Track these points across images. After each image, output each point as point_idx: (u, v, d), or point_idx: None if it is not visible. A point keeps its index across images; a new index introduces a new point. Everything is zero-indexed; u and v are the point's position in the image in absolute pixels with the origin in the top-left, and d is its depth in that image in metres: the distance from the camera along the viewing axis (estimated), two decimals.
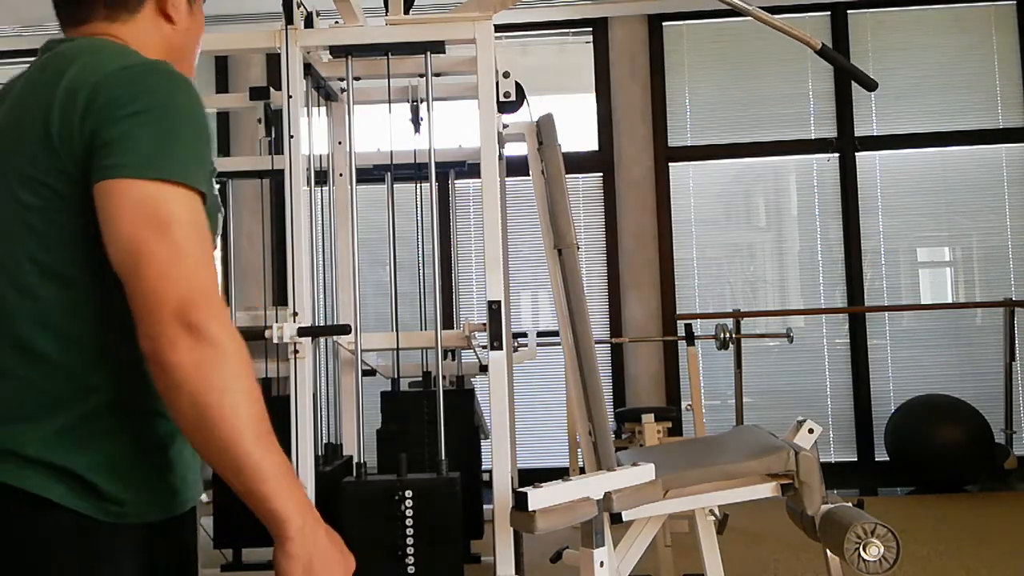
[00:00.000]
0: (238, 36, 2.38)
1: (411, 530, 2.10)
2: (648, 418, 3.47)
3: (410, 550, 2.09)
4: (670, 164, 5.18)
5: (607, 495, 1.93)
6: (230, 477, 0.85)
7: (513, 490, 2.09)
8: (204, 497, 2.80)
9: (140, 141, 0.83)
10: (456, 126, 4.39)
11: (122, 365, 0.89)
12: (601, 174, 5.15)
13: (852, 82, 5.11)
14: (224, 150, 4.61)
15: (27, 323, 0.87)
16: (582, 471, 2.10)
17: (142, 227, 0.81)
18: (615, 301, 5.07)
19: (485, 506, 2.68)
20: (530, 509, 1.79)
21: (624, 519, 1.99)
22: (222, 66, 4.77)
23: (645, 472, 1.99)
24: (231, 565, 2.91)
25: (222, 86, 4.74)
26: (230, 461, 0.83)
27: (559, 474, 2.48)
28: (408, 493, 2.11)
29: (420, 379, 3.00)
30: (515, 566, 2.12)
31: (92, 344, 0.88)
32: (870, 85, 2.22)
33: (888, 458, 4.70)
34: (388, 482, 2.13)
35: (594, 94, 5.22)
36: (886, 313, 5.09)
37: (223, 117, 4.63)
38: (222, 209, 0.90)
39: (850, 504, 2.01)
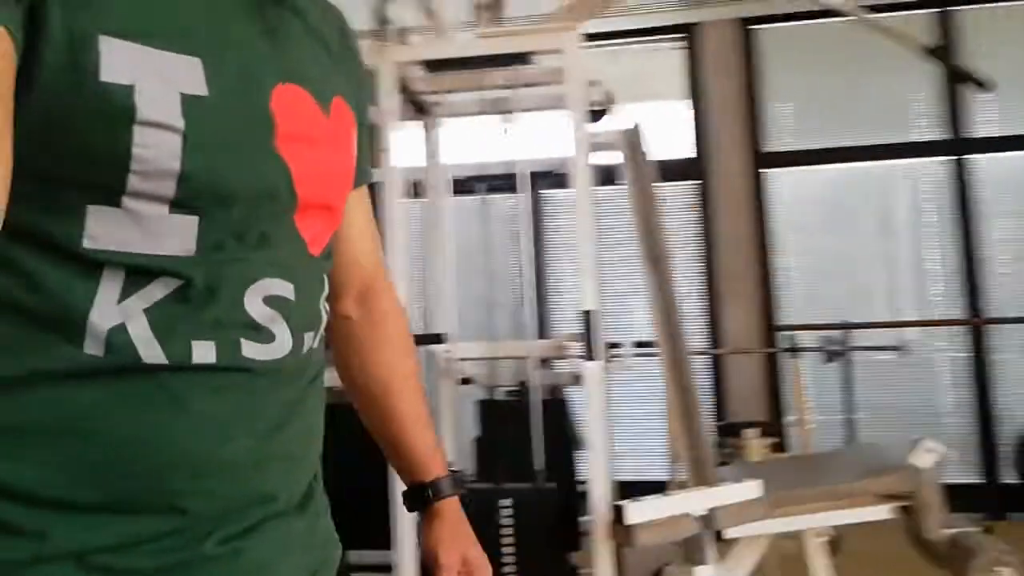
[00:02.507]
0: None
1: (508, 539, 2.08)
2: (752, 433, 3.35)
3: (507, 559, 2.08)
4: (768, 170, 5.00)
5: (710, 512, 1.86)
6: None
7: (610, 503, 2.05)
8: None
9: None
10: (547, 135, 4.39)
11: None
12: (695, 181, 5.04)
13: (965, 81, 4.81)
14: None
15: None
16: (685, 486, 2.04)
17: None
18: (713, 311, 4.93)
19: (583, 517, 2.64)
20: (627, 523, 1.74)
21: (729, 537, 1.91)
22: None
23: (750, 489, 1.91)
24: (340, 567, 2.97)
25: None
26: None
27: (661, 488, 2.41)
28: (505, 501, 2.10)
29: (516, 388, 2.99)
30: None
31: None
32: (985, 86, 2.06)
33: (1019, 480, 4.35)
34: (485, 490, 2.13)
35: (686, 100, 5.12)
36: (1011, 325, 4.72)
37: None
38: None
39: (976, 530, 1.87)
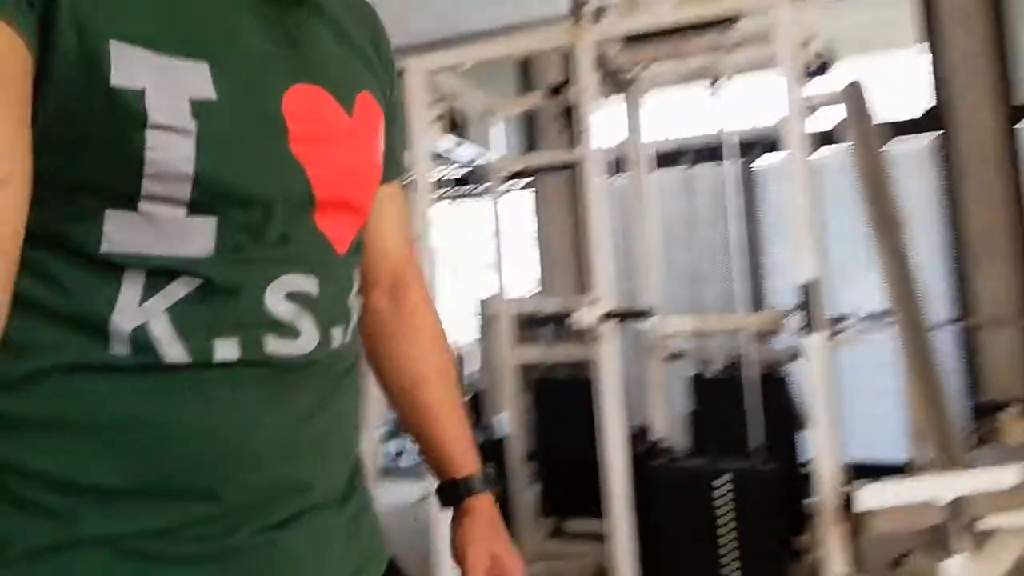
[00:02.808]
0: (532, 37, 2.50)
1: (724, 518, 2.02)
2: (1013, 412, 2.96)
3: (723, 538, 2.02)
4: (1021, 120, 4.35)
5: (960, 499, 1.68)
6: None
7: (838, 486, 1.91)
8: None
9: None
10: (759, 99, 4.13)
11: None
12: (935, 136, 4.50)
13: None
14: (531, 147, 4.89)
15: None
16: (927, 469, 1.85)
17: None
18: (962, 277, 4.40)
19: (808, 499, 2.50)
20: (858, 509, 1.62)
21: (984, 528, 1.71)
22: (524, 69, 5.06)
23: (1008, 474, 1.69)
24: (556, 533, 3.08)
25: (526, 87, 5.03)
26: None
27: (899, 470, 2.22)
28: (721, 480, 2.04)
29: (731, 364, 2.90)
30: (847, 568, 1.93)
31: None
32: None
33: None
34: (700, 467, 2.08)
35: (919, 49, 4.58)
36: None
37: (528, 117, 4.91)
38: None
39: None
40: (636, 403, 2.64)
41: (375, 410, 2.92)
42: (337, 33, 0.67)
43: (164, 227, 0.53)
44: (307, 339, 0.61)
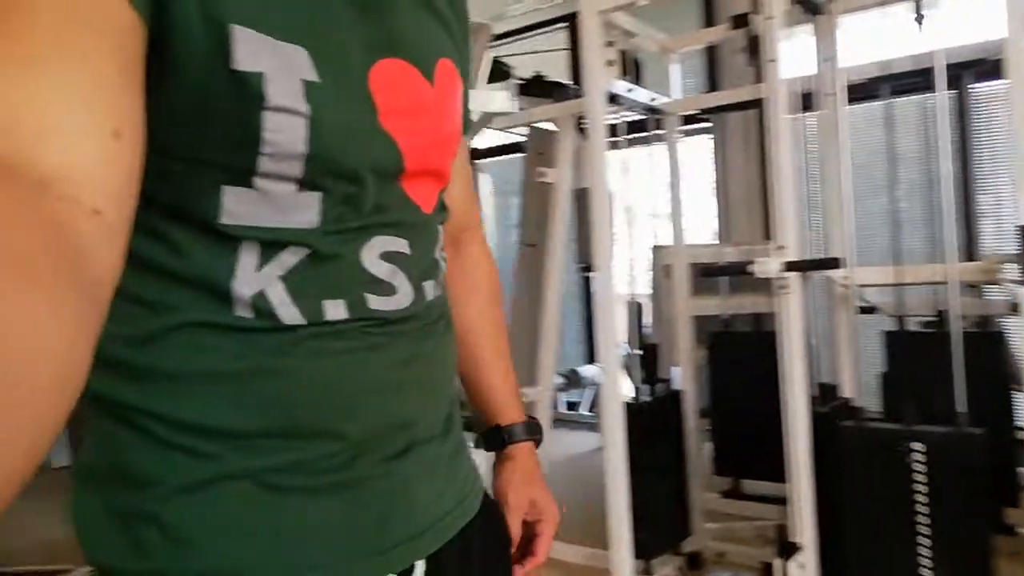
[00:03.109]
0: None
1: (920, 486, 1.88)
2: None
3: (920, 508, 1.88)
4: None
5: None
6: None
7: None
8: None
9: None
10: (973, 16, 3.62)
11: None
12: None
13: None
14: (712, 85, 4.64)
15: None
16: None
17: None
18: None
19: (1022, 469, 2.26)
20: None
21: None
22: (707, 5, 4.78)
23: None
24: (731, 493, 3.02)
25: (708, 22, 4.76)
26: None
27: None
28: (918, 446, 1.89)
29: (933, 318, 2.64)
30: None
31: None
32: None
33: None
34: (893, 430, 1.94)
35: None
36: None
37: (711, 52, 4.65)
38: None
39: None
40: (822, 360, 2.49)
41: (550, 362, 2.97)
42: (417, 1, 0.68)
43: (276, 202, 0.58)
44: (404, 295, 0.66)
